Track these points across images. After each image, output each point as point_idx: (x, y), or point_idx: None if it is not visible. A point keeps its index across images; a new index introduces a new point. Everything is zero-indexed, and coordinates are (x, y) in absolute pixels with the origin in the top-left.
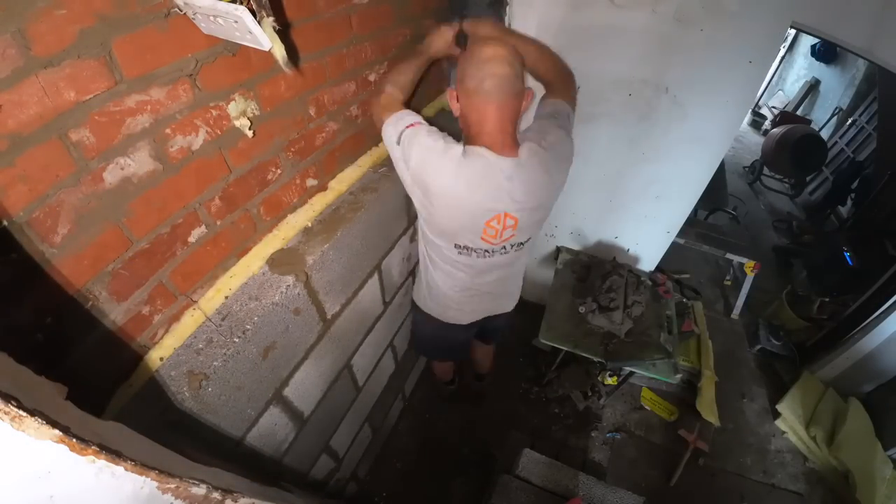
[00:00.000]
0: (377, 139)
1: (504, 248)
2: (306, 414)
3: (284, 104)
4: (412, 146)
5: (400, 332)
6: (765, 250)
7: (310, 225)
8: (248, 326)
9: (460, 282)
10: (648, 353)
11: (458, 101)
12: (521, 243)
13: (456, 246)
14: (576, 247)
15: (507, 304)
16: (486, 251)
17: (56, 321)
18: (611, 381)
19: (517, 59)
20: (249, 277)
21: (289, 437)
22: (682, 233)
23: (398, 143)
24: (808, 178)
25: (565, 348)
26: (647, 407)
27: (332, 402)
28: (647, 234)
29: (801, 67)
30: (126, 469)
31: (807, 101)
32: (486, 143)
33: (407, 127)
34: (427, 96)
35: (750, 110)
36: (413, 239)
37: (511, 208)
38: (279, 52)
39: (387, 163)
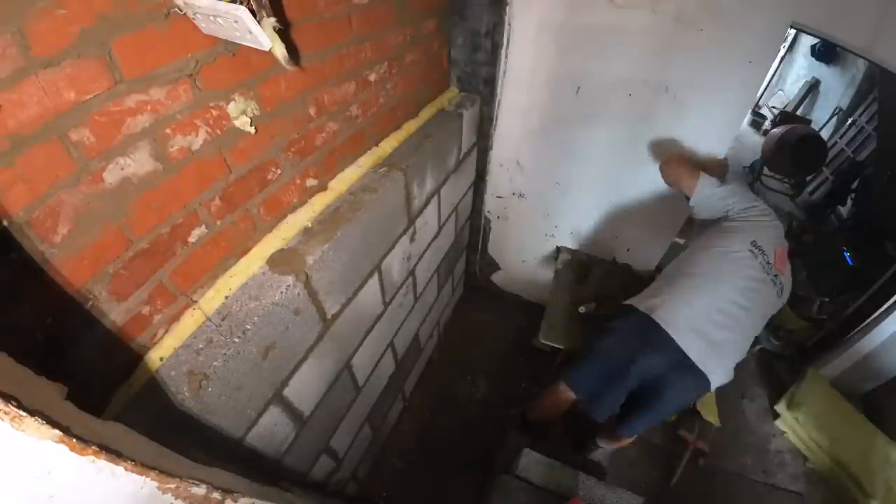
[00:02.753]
0: (377, 139)
1: (776, 276)
2: (306, 414)
3: (284, 104)
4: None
5: (400, 332)
6: None
7: (310, 225)
8: (248, 326)
9: (720, 294)
10: None
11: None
12: (782, 292)
13: (753, 245)
14: (576, 247)
15: (715, 364)
16: (769, 264)
17: (56, 321)
18: None
19: None
20: (249, 277)
21: (289, 437)
22: (683, 233)
23: None
24: (808, 178)
25: (565, 348)
26: None
27: (332, 402)
28: (648, 234)
29: (801, 67)
30: (126, 469)
31: (807, 101)
32: None
33: None
34: (427, 96)
35: (750, 110)
36: (413, 239)
37: (785, 252)
38: (279, 50)
39: (387, 162)
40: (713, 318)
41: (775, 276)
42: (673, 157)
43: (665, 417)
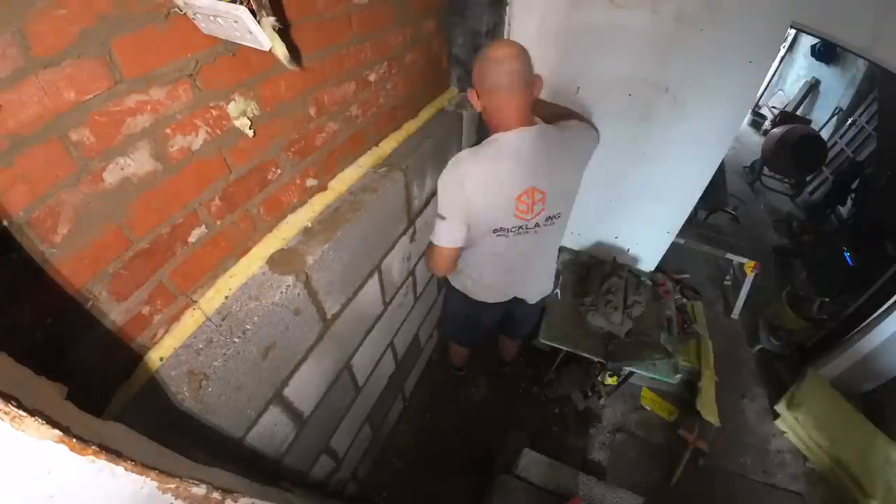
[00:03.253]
0: (377, 139)
1: (537, 224)
2: (306, 414)
3: (284, 104)
4: (441, 194)
5: (400, 332)
6: (765, 250)
7: (310, 225)
8: (248, 326)
9: (497, 262)
10: (648, 353)
11: (478, 98)
12: (552, 217)
13: (495, 231)
14: (576, 247)
15: (533, 291)
16: (521, 227)
17: (56, 321)
18: (611, 381)
19: (525, 53)
20: (249, 277)
21: (289, 437)
22: (682, 233)
23: (439, 215)
24: (808, 178)
25: (565, 348)
26: (647, 407)
27: (332, 402)
28: (647, 234)
29: (801, 67)
30: (126, 469)
31: (807, 101)
32: (506, 129)
33: (437, 215)
34: (427, 96)
35: (750, 110)
36: (413, 239)
37: (538, 182)
38: (281, 50)
39: (387, 162)
40: (504, 282)
41: (535, 226)
42: None
43: (527, 329)
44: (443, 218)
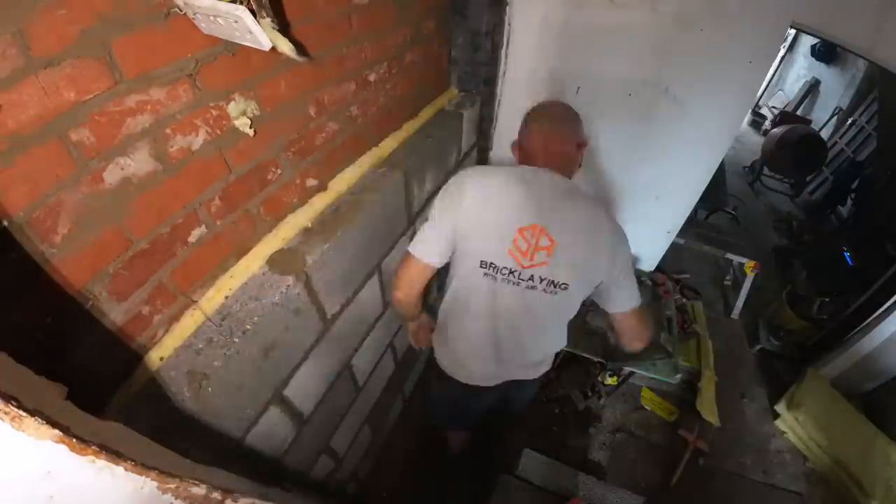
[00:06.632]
0: (377, 139)
1: (532, 277)
2: (306, 414)
3: (284, 104)
4: (437, 199)
5: (400, 333)
6: (765, 250)
7: (310, 225)
8: (248, 326)
9: (482, 327)
10: (648, 353)
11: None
12: (554, 284)
13: (482, 265)
14: None
15: (531, 370)
16: (513, 273)
17: (56, 321)
18: (611, 381)
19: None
20: (249, 277)
21: (289, 437)
22: (682, 233)
23: (426, 220)
24: (808, 178)
25: (565, 348)
26: (647, 407)
27: (332, 402)
28: (647, 234)
29: (801, 67)
30: (126, 469)
31: (807, 101)
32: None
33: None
34: (427, 96)
35: (750, 110)
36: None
37: (549, 226)
38: (285, 45)
39: (387, 162)
40: (491, 354)
41: (529, 279)
42: None
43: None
44: (427, 221)
